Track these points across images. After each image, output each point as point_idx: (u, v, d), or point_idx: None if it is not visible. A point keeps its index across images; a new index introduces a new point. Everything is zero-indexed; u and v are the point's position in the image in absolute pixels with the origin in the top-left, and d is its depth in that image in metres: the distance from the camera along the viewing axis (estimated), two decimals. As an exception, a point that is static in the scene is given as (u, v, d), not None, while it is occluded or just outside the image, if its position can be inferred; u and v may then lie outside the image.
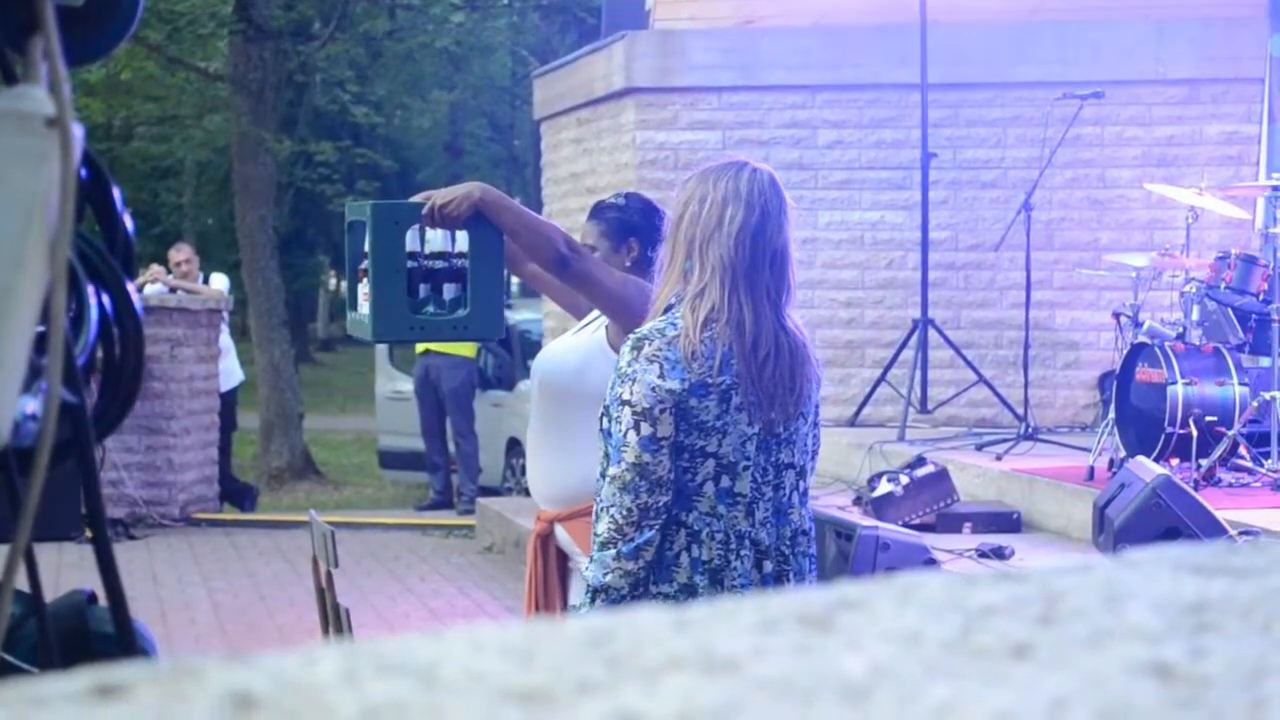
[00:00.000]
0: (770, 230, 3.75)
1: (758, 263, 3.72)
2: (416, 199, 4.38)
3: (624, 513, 3.64)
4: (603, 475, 3.74)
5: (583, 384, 4.33)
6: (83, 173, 1.35)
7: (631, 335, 3.75)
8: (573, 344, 4.53)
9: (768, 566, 3.74)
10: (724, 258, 3.68)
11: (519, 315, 16.34)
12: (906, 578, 0.92)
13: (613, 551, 3.65)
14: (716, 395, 3.66)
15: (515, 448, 14.73)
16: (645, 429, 3.62)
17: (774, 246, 3.76)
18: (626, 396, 3.65)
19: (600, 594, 3.69)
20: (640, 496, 3.63)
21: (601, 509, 3.70)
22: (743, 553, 3.71)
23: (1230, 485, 8.13)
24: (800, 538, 3.82)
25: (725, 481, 3.70)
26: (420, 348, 13.60)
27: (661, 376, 3.63)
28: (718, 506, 3.69)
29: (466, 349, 13.87)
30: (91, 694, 0.70)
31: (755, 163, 3.84)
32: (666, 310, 3.78)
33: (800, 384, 3.76)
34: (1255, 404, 8.14)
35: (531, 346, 14.92)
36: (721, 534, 3.69)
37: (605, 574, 3.67)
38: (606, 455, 3.74)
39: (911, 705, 0.70)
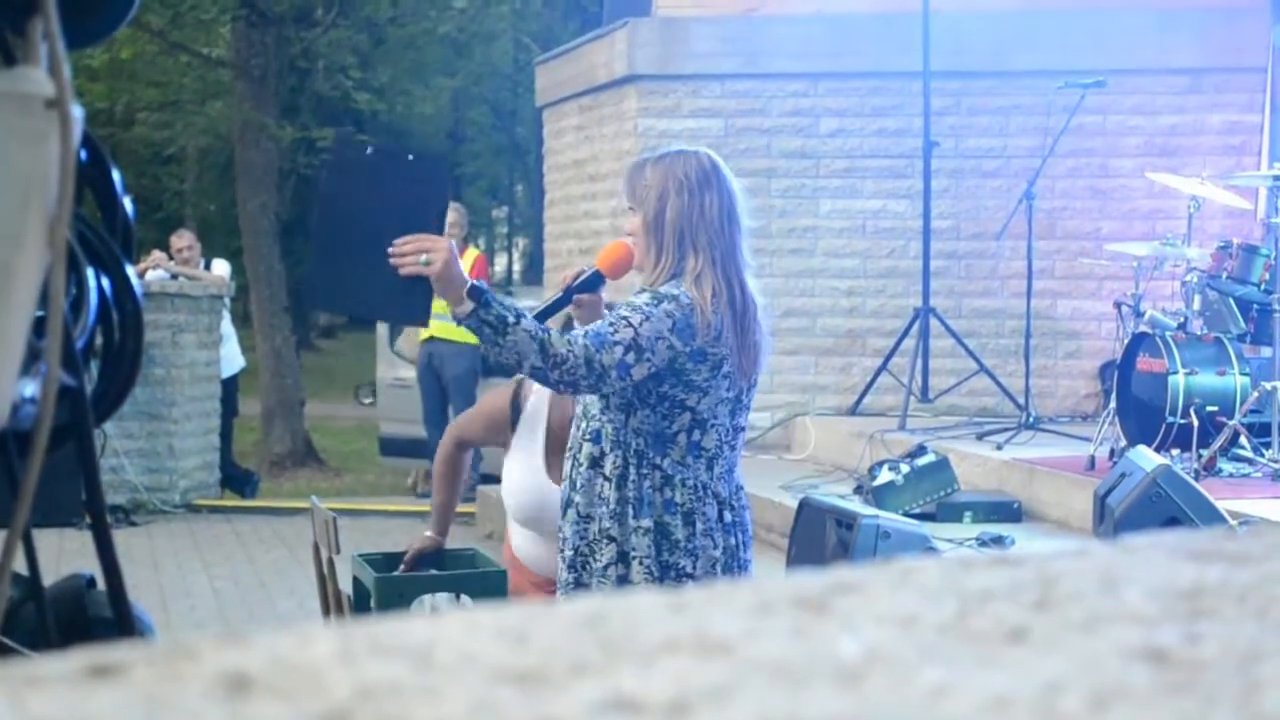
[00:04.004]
0: (738, 209, 4.09)
1: (735, 240, 4.06)
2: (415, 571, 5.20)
3: (571, 370, 3.87)
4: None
5: None
6: (82, 155, 1.35)
7: (650, 288, 4.03)
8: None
9: (727, 516, 4.10)
10: (711, 241, 4.00)
11: (520, 303, 16.29)
12: (903, 562, 0.92)
13: (539, 357, 3.86)
14: (710, 362, 3.99)
15: (516, 435, 14.73)
16: (630, 358, 3.91)
17: (741, 223, 4.09)
18: (635, 323, 3.92)
19: (510, 329, 3.89)
20: (583, 382, 3.90)
21: (567, 345, 3.90)
22: (708, 500, 4.06)
23: (1231, 475, 8.13)
24: (740, 493, 4.20)
25: (696, 435, 4.04)
26: (423, 335, 13.56)
27: (672, 332, 3.93)
28: (686, 457, 4.03)
29: (470, 336, 13.84)
30: (87, 674, 0.70)
31: (700, 149, 4.17)
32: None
33: (762, 350, 4.11)
34: (1256, 394, 8.14)
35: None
36: (691, 482, 4.04)
37: (520, 347, 3.88)
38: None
39: (906, 688, 0.70)
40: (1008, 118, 11.52)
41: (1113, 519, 6.90)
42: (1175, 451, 8.10)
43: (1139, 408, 8.46)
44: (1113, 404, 8.69)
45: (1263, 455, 8.12)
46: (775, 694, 0.69)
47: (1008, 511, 8.51)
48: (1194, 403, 8.10)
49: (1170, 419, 8.13)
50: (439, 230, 4.00)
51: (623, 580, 4.06)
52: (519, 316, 3.91)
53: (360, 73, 22.61)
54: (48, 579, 1.53)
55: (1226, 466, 8.20)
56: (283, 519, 12.38)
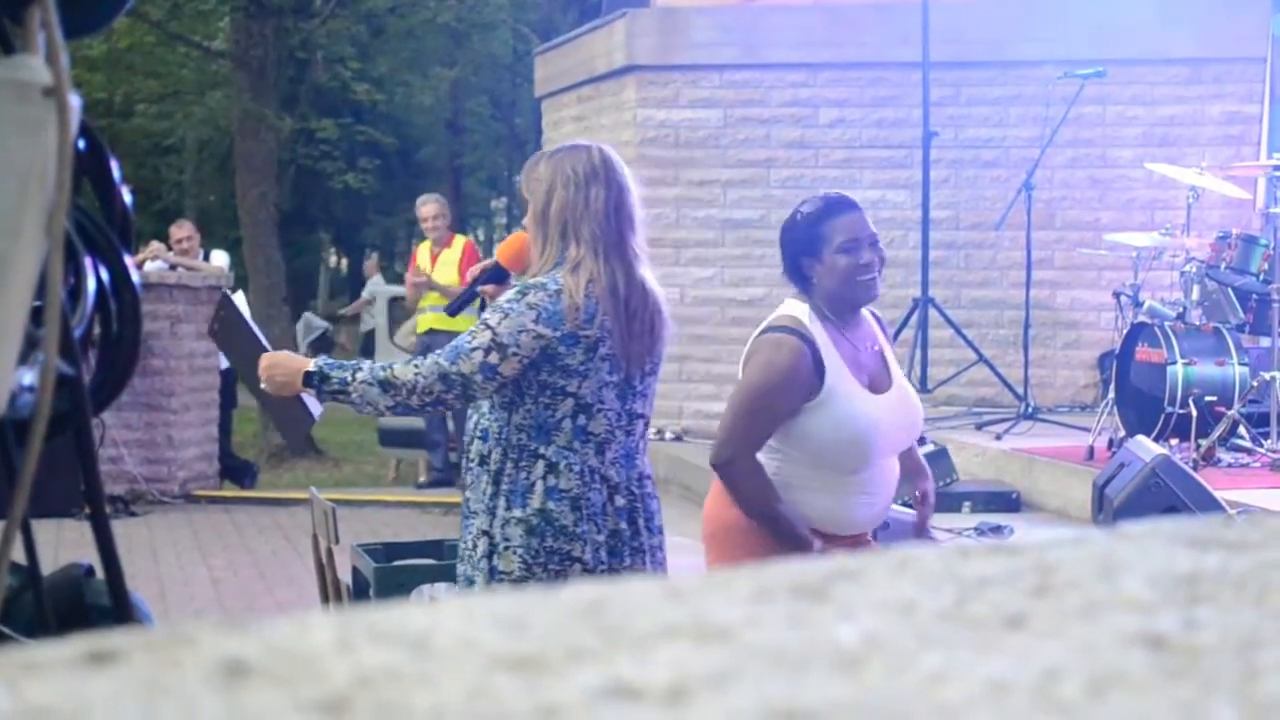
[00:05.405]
0: (628, 201, 4.17)
1: (624, 233, 4.14)
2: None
3: (426, 392, 4.04)
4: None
5: None
6: (80, 144, 1.35)
7: (520, 283, 4.18)
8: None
9: (620, 501, 4.17)
10: (595, 233, 4.10)
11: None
12: (902, 550, 0.92)
13: (390, 396, 4.04)
14: (584, 345, 4.07)
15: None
16: (493, 358, 4.03)
17: (632, 215, 4.18)
18: (493, 324, 4.06)
19: (351, 388, 4.07)
20: (446, 396, 4.05)
21: (415, 369, 4.06)
22: (595, 486, 4.12)
23: (1229, 465, 8.13)
24: (645, 480, 4.25)
25: (582, 420, 4.11)
26: (422, 327, 13.59)
27: (537, 322, 4.04)
28: (574, 442, 4.10)
29: (468, 326, 13.84)
30: (84, 660, 0.70)
31: (594, 143, 4.29)
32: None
33: (658, 338, 4.19)
34: (1255, 384, 8.14)
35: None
36: (578, 467, 4.10)
37: (369, 398, 4.05)
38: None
39: (904, 674, 0.70)
40: (1007, 108, 11.52)
41: (1111, 508, 6.90)
42: (1174, 441, 8.11)
43: (1138, 398, 8.46)
44: (1111, 394, 8.69)
45: (1261, 445, 8.13)
46: (774, 680, 0.69)
47: (1006, 501, 8.51)
48: (1193, 393, 8.11)
49: (1169, 409, 8.13)
50: (258, 345, 4.36)
51: (495, 572, 4.13)
52: (355, 371, 4.10)
53: (359, 63, 22.61)
54: (46, 569, 1.53)
55: (1225, 456, 8.21)
56: (282, 510, 12.38)
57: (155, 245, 13.64)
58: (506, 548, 4.11)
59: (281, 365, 4.18)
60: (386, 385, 4.04)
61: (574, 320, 4.04)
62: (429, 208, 12.88)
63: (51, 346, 1.21)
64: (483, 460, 4.20)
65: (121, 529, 10.79)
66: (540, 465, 4.10)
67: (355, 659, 0.71)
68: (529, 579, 4.08)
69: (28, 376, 1.25)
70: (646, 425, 4.27)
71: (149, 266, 13.11)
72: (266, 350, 4.28)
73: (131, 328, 1.45)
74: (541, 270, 4.16)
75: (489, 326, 4.06)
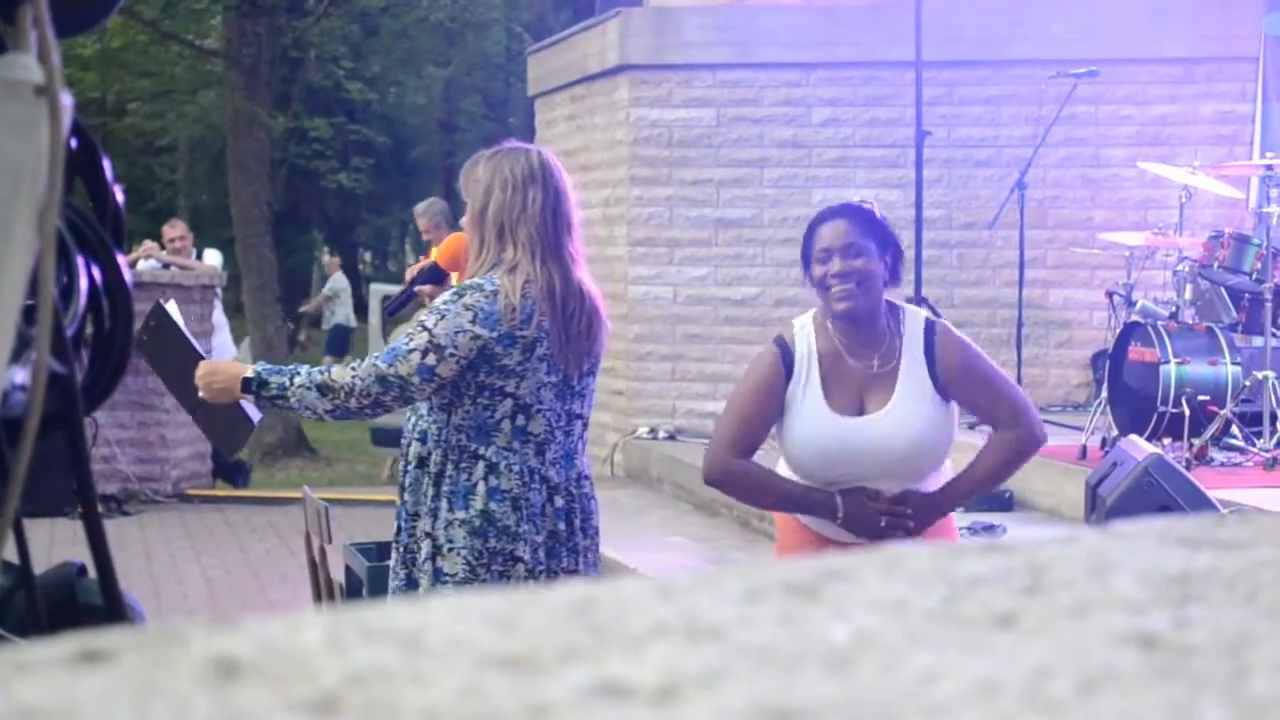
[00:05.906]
0: (565, 204, 4.19)
1: (560, 234, 4.15)
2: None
3: (364, 395, 4.05)
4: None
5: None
6: (72, 143, 1.35)
7: (458, 284, 4.22)
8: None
9: (559, 501, 4.19)
10: (532, 235, 4.12)
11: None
12: (894, 549, 0.92)
13: (328, 400, 4.05)
14: (522, 345, 4.07)
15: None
16: (431, 359, 4.04)
17: (569, 218, 4.21)
18: (430, 325, 4.05)
19: (289, 392, 4.08)
20: (384, 398, 4.05)
21: (351, 372, 4.08)
22: (535, 486, 4.13)
23: (1222, 464, 8.13)
24: (584, 480, 4.28)
25: (520, 420, 4.12)
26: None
27: (474, 323, 4.05)
28: (513, 442, 4.12)
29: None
30: (76, 659, 0.70)
31: (533, 146, 4.33)
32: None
33: (595, 339, 4.21)
34: (1248, 383, 8.14)
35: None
36: (518, 468, 4.12)
37: (307, 402, 4.06)
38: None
39: (894, 673, 0.70)
40: (1000, 107, 11.52)
41: (1104, 508, 6.90)
42: (1167, 441, 8.10)
43: (1131, 397, 8.46)
44: (1104, 393, 8.69)
45: (1254, 445, 8.13)
46: (765, 679, 0.69)
47: (999, 501, 8.51)
48: (1185, 392, 8.11)
49: (1162, 408, 8.13)
50: (193, 354, 4.35)
51: (440, 573, 4.13)
52: (294, 376, 4.12)
53: (352, 62, 22.61)
54: (39, 568, 1.52)
55: (1218, 456, 8.20)
56: (275, 509, 12.37)
57: (148, 244, 13.62)
58: (450, 549, 4.13)
59: (220, 372, 4.21)
60: (324, 389, 4.06)
61: (510, 321, 4.05)
62: (420, 221, 12.86)
63: (44, 345, 1.21)
64: (421, 462, 4.21)
65: (114, 528, 10.78)
66: (481, 466, 4.11)
67: (346, 658, 0.71)
68: (473, 580, 4.10)
69: (20, 375, 1.25)
70: (585, 425, 4.29)
71: (142, 265, 13.10)
72: (203, 358, 4.28)
73: (124, 326, 1.45)
74: (478, 271, 4.18)
75: (426, 328, 4.07)
